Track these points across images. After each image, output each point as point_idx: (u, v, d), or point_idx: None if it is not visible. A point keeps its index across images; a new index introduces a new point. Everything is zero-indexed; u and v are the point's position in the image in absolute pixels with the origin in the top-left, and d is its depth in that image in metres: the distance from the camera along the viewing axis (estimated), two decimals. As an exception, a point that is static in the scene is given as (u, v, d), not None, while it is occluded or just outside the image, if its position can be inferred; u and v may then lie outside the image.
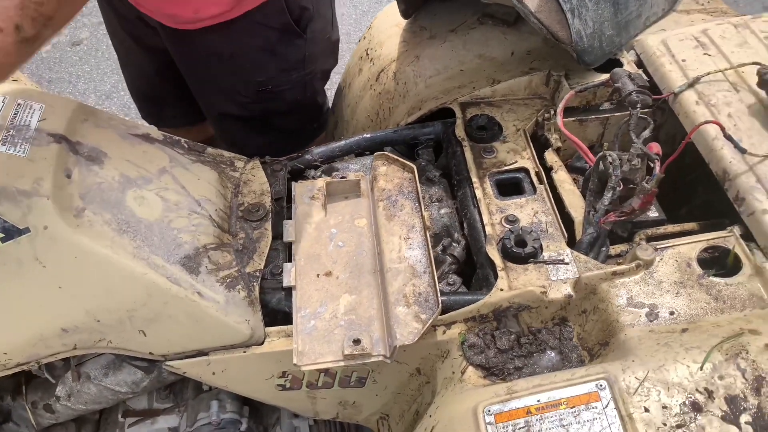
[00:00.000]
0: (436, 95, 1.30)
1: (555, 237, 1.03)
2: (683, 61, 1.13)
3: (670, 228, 1.03)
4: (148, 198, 0.97)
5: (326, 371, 1.04)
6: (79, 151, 0.93)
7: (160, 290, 0.92)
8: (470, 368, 0.94)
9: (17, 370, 0.98)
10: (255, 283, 1.01)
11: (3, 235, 0.84)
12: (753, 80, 1.05)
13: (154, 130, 1.10)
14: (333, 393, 1.08)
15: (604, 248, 1.03)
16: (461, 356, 0.95)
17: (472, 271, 1.08)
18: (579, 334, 0.96)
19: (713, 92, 1.07)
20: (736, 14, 1.26)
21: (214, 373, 1.03)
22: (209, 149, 1.18)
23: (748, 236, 0.94)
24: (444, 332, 0.97)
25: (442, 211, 1.13)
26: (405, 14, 1.38)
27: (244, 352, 1.00)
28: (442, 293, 0.99)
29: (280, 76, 1.38)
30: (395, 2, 1.40)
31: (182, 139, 1.14)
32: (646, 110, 1.07)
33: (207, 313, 0.95)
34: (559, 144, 1.19)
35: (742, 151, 0.98)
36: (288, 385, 1.06)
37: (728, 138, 0.98)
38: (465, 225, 1.10)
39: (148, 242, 0.93)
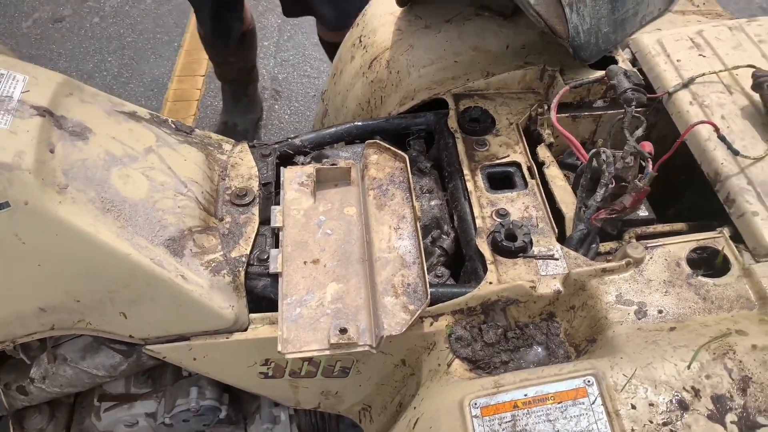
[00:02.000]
0: (429, 86, 1.28)
1: (545, 232, 1.02)
2: (678, 61, 1.13)
3: (660, 227, 1.04)
4: (133, 177, 0.94)
5: (310, 360, 1.03)
6: (63, 126, 0.90)
7: (143, 272, 0.89)
8: (457, 361, 0.93)
9: (-9, 349, 0.95)
10: (240, 269, 0.99)
11: (-19, 209, 0.81)
12: (747, 83, 1.05)
13: (140, 109, 1.07)
14: (316, 382, 1.07)
15: (594, 245, 1.02)
16: (448, 348, 0.94)
17: (461, 264, 1.07)
18: (566, 330, 0.96)
19: (707, 93, 1.07)
20: (731, 17, 1.26)
21: (195, 359, 1.01)
22: (197, 131, 1.15)
23: (737, 238, 0.94)
24: (431, 324, 0.96)
25: (433, 203, 1.12)
26: (401, 2, 1.36)
27: (227, 338, 0.98)
28: (431, 285, 0.98)
29: None
30: (390, -10, 1.38)
31: (169, 119, 1.11)
32: (640, 109, 1.07)
33: (190, 296, 0.93)
34: (552, 139, 1.18)
35: (735, 152, 0.98)
36: (270, 374, 1.05)
37: (722, 139, 0.98)
38: (455, 217, 1.09)
39: (132, 222, 0.91)
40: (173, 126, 1.11)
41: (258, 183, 1.10)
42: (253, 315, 0.99)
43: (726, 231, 0.95)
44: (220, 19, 2.23)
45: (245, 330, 0.99)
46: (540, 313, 0.97)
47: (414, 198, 1.04)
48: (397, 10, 1.41)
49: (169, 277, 0.91)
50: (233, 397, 1.23)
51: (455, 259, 1.09)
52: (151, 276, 0.90)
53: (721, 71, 1.09)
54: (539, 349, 0.94)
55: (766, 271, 0.88)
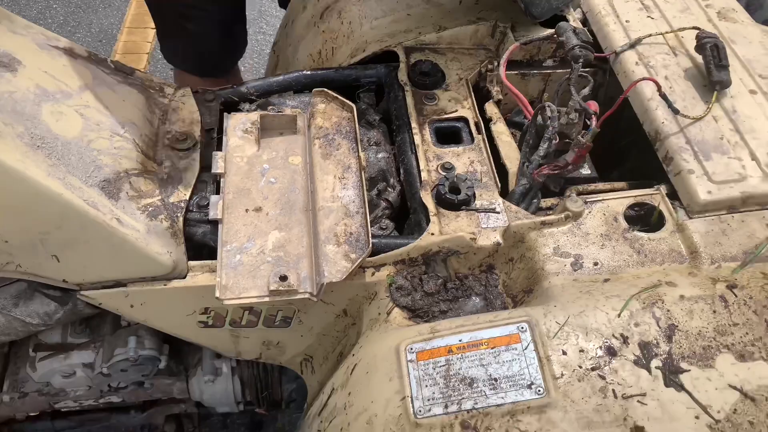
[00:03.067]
0: (381, 38, 1.26)
1: (489, 186, 1.03)
2: (627, 21, 1.14)
3: (601, 185, 1.05)
4: (66, 114, 0.90)
5: (251, 309, 1.02)
6: (-11, 57, 0.86)
7: (76, 213, 0.86)
8: (396, 309, 0.94)
9: None
10: (179, 214, 0.97)
11: None
12: (691, 45, 1.07)
13: (77, 46, 1.02)
14: (257, 332, 1.06)
15: (535, 200, 1.04)
16: (388, 298, 0.95)
17: (406, 219, 1.07)
18: (504, 282, 0.97)
19: (653, 54, 1.08)
20: (681, -18, 1.27)
21: (132, 306, 0.99)
22: (138, 72, 1.11)
23: (673, 195, 0.96)
24: (373, 274, 0.96)
25: (380, 155, 1.11)
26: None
27: (165, 285, 0.96)
28: (374, 236, 0.98)
29: None
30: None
31: (108, 59, 1.07)
32: (587, 68, 1.08)
33: (126, 240, 0.90)
34: (500, 97, 1.19)
35: (675, 111, 1.00)
36: (210, 323, 1.03)
37: (663, 97, 1.00)
38: (401, 170, 1.09)
39: (65, 161, 0.87)
40: (112, 65, 1.06)
41: (200, 128, 1.07)
42: (192, 262, 0.97)
43: (663, 188, 0.97)
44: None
45: (184, 277, 0.97)
46: (480, 265, 0.98)
47: (360, 149, 1.03)
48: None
49: (104, 220, 0.88)
50: (174, 349, 1.22)
51: (400, 213, 1.08)
52: (84, 218, 0.87)
53: (667, 33, 1.10)
54: (477, 300, 0.95)
55: (698, 227, 0.91)
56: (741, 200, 0.91)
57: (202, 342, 1.09)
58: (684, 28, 1.09)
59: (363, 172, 1.00)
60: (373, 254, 0.95)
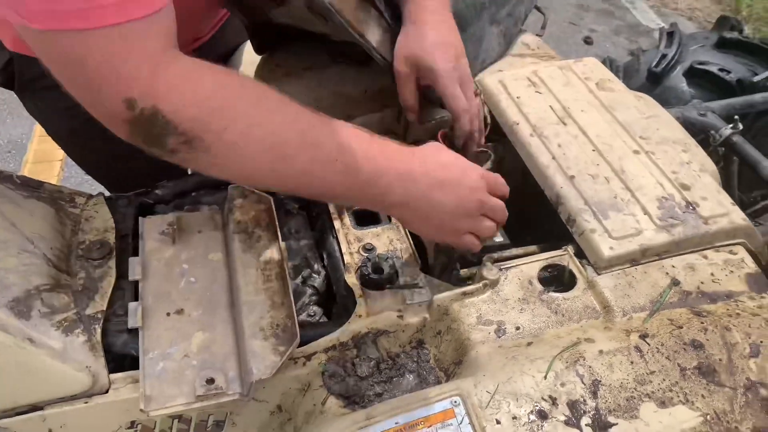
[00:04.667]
0: (293, 130, 1.30)
1: (409, 263, 1.06)
2: (518, 98, 1.23)
3: (515, 251, 1.10)
4: (-32, 236, 0.87)
5: (180, 417, 0.97)
6: None
7: (-17, 338, 0.82)
8: (331, 398, 0.92)
9: None
10: (96, 326, 0.93)
11: None
12: (577, 113, 1.17)
13: (-22, 165, 1.00)
14: (189, 440, 1.01)
15: (455, 272, 1.07)
16: (321, 387, 0.94)
17: (334, 303, 1.08)
18: (435, 356, 0.98)
19: (545, 125, 1.17)
20: (561, 58, 1.40)
21: (50, 430, 0.93)
22: (47, 185, 1.09)
23: (581, 254, 1.02)
24: (304, 364, 0.95)
25: (302, 243, 1.13)
26: (258, 50, 1.38)
27: (86, 402, 0.91)
28: (303, 324, 0.97)
29: None
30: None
31: (15, 174, 1.05)
32: (487, 143, 1.15)
33: (40, 361, 0.86)
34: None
35: (571, 177, 1.07)
36: (138, 437, 0.98)
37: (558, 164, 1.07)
38: (324, 256, 1.10)
39: (-32, 285, 0.84)
40: (18, 181, 1.04)
41: (115, 235, 1.05)
42: (114, 375, 0.93)
43: (570, 249, 1.02)
44: None
45: (106, 392, 0.92)
46: (410, 342, 0.99)
47: (281, 238, 1.04)
48: (258, 59, 1.43)
49: (15, 342, 0.84)
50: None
51: (328, 298, 1.09)
52: (-8, 342, 0.83)
53: (554, 105, 1.20)
54: (411, 377, 0.96)
55: (607, 282, 0.96)
56: (640, 252, 0.98)
57: (131, 459, 1.03)
58: (568, 100, 1.19)
59: (285, 262, 1.00)
60: (302, 344, 0.95)
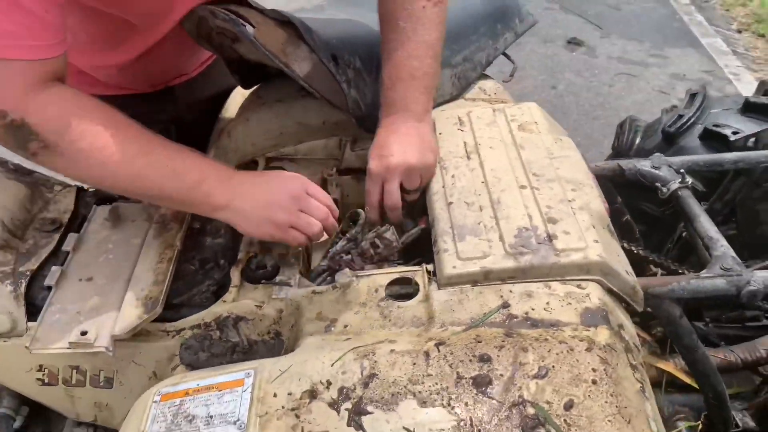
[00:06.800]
0: (255, 152, 1.49)
1: (294, 266, 1.17)
2: (440, 134, 1.32)
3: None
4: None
5: (77, 368, 1.16)
6: None
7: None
8: (180, 366, 1.06)
9: None
10: (23, 281, 1.16)
11: None
12: (484, 150, 1.23)
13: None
14: (87, 393, 1.18)
15: (334, 281, 1.17)
16: (177, 356, 1.07)
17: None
18: (287, 347, 1.08)
19: (450, 158, 1.25)
20: (513, 104, 1.45)
21: (-26, 362, 1.15)
22: (37, 174, 1.36)
23: (435, 273, 1.07)
24: (173, 337, 1.10)
25: (217, 241, 1.29)
26: (243, 86, 1.60)
27: (4, 341, 1.13)
28: (192, 305, 1.13)
29: None
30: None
31: (10, 162, 1.33)
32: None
33: (-32, 300, 1.09)
34: (336, 197, 1.36)
35: (449, 203, 1.14)
36: (46, 380, 1.17)
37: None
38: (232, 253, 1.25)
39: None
40: (11, 167, 1.32)
41: (70, 216, 1.29)
42: (31, 323, 1.14)
43: (427, 266, 1.08)
44: None
45: (21, 336, 1.13)
46: (268, 332, 1.10)
47: (183, 232, 1.21)
48: (248, 92, 1.65)
49: (-50, 281, 1.08)
50: (43, 417, 1.35)
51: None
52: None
53: (468, 141, 1.27)
54: (256, 362, 1.06)
55: (441, 297, 1.01)
56: (482, 275, 1.02)
57: (43, 400, 1.22)
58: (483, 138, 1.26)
59: (175, 249, 1.17)
60: (175, 319, 1.10)
